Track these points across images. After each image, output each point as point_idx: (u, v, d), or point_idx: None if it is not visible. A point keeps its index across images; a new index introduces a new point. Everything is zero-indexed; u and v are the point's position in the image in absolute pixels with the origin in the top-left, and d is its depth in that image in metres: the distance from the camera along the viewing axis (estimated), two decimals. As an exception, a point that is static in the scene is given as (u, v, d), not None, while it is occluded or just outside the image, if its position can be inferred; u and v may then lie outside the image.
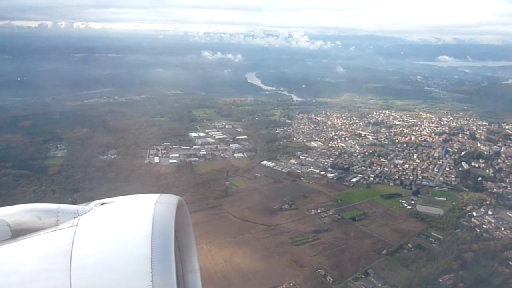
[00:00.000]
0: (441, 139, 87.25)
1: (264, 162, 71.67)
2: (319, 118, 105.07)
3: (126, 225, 3.03)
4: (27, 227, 3.23)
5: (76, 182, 59.32)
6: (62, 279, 2.70)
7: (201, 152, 76.42)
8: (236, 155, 76.40)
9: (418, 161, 74.50)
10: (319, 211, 54.07)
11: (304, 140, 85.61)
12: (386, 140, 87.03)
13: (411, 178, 66.81)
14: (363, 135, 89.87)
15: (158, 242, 2.80)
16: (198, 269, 3.69)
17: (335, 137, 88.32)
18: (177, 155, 74.44)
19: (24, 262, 2.87)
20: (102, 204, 3.38)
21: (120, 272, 2.71)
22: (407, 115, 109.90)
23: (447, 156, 77.38)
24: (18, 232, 3.21)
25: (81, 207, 3.38)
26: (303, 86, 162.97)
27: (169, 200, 3.27)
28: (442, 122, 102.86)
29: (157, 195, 3.31)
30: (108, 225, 3.08)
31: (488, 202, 57.34)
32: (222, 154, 76.59)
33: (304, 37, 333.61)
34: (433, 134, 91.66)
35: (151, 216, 2.99)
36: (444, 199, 59.00)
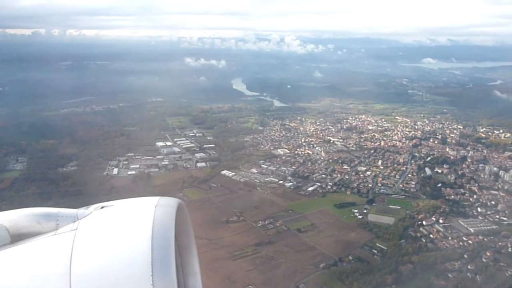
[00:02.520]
0: (411, 144, 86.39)
1: (224, 172, 70.81)
2: (292, 124, 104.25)
3: (126, 228, 3.02)
4: (26, 231, 3.23)
5: (25, 197, 58.51)
6: (62, 283, 2.65)
7: (163, 162, 75.68)
8: (199, 164, 75.59)
9: (382, 167, 73.51)
10: (266, 222, 53.16)
11: (271, 148, 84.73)
12: (354, 146, 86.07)
13: (370, 185, 65.85)
14: (332, 141, 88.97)
15: (158, 244, 2.77)
16: (199, 272, 3.68)
17: (304, 144, 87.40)
18: (138, 166, 73.68)
19: (23, 267, 2.84)
20: (102, 207, 3.38)
21: (120, 275, 2.68)
22: (383, 120, 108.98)
23: (412, 162, 76.41)
24: (17, 237, 3.20)
25: (80, 211, 3.40)
26: (285, 91, 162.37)
27: (169, 203, 3.27)
28: (416, 126, 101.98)
29: (157, 198, 3.31)
30: (108, 229, 3.08)
31: (441, 210, 56.38)
32: (184, 164, 75.80)
33: (295, 41, 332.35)
34: (404, 139, 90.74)
35: (151, 219, 2.98)
36: (399, 207, 57.98)
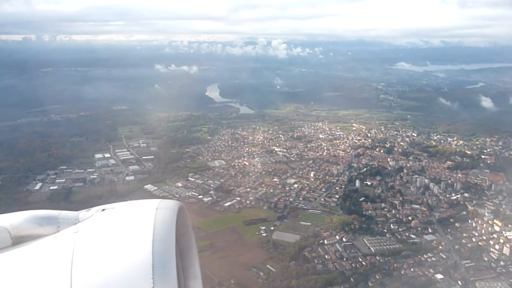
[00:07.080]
0: (354, 154, 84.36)
1: (147, 186, 69.06)
2: (243, 133, 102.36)
3: (127, 231, 2.99)
4: (27, 234, 3.24)
5: None
6: (63, 286, 2.63)
7: (91, 176, 73.96)
8: (128, 178, 73.85)
9: (313, 179, 71.42)
10: (164, 242, 51.26)
11: (209, 159, 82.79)
12: (296, 156, 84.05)
13: (291, 199, 63.77)
14: (275, 151, 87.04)
15: (159, 248, 2.74)
16: (200, 275, 3.60)
17: (245, 154, 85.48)
18: (64, 180, 72.04)
19: (25, 269, 2.82)
20: (103, 210, 3.35)
21: (121, 278, 2.65)
22: (338, 127, 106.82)
23: (347, 173, 74.33)
24: (18, 239, 3.21)
25: (81, 213, 3.39)
26: (256, 97, 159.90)
27: (170, 206, 3.21)
28: (369, 134, 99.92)
29: (158, 200, 3.26)
30: (109, 231, 3.05)
31: (351, 227, 54.27)
32: (113, 178, 74.09)
33: (282, 44, 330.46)
34: (350, 148, 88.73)
35: (152, 221, 2.95)
36: (309, 224, 55.94)
